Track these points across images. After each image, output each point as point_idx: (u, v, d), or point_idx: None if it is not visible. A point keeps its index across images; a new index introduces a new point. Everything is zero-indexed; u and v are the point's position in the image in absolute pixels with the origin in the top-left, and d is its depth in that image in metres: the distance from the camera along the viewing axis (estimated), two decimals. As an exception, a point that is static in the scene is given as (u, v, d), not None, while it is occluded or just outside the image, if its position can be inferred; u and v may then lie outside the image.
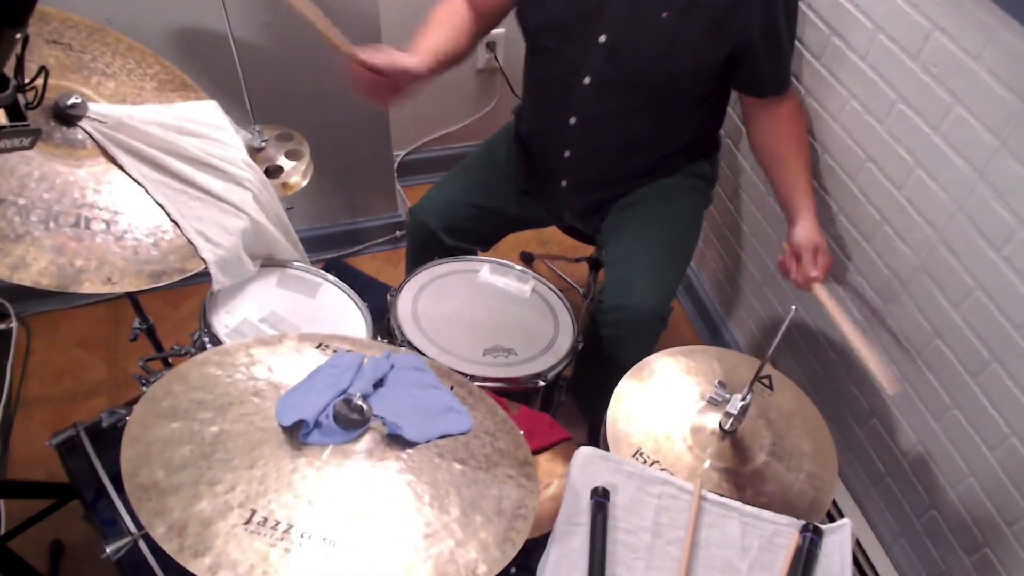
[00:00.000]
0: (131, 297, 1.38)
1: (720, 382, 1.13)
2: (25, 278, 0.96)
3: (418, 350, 1.27)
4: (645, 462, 1.05)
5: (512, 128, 1.63)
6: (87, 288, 1.00)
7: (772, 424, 1.14)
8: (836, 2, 1.42)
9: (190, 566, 0.70)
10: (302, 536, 0.75)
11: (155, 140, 1.14)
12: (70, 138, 1.08)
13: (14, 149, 0.86)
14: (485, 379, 1.25)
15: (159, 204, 1.13)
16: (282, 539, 0.74)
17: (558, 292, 1.44)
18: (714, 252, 2.12)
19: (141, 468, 0.78)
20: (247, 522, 0.74)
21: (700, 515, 0.95)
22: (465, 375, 1.24)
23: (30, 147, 0.87)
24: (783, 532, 0.95)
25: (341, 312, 1.29)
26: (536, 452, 1.13)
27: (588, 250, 1.98)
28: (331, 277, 1.33)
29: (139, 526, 1.05)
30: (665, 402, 1.14)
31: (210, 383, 0.90)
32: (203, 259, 1.14)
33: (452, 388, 1.02)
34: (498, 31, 2.10)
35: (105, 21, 1.25)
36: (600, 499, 0.94)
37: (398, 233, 2.31)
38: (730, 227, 2.01)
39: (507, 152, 1.62)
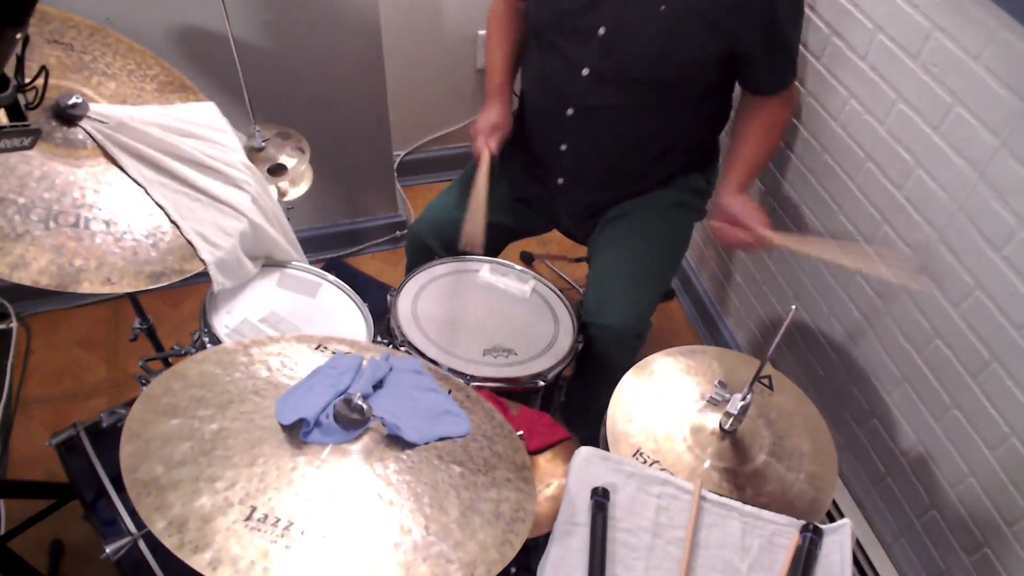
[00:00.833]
0: (131, 297, 1.38)
1: (720, 382, 1.13)
2: (24, 277, 0.96)
3: (418, 350, 1.27)
4: (645, 462, 1.05)
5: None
6: (86, 288, 1.00)
7: (772, 424, 1.14)
8: (836, 2, 1.42)
9: (191, 561, 0.70)
10: (302, 533, 0.75)
11: (155, 141, 1.14)
12: (70, 138, 1.08)
13: (14, 149, 0.86)
14: (485, 379, 1.25)
15: (159, 205, 1.13)
16: (282, 536, 0.74)
17: (558, 292, 1.44)
18: (714, 252, 2.12)
19: (140, 464, 0.78)
20: (247, 518, 0.75)
21: (700, 515, 0.95)
22: (465, 375, 1.24)
23: (30, 147, 0.87)
24: (783, 532, 0.95)
25: (341, 312, 1.29)
26: (536, 452, 1.13)
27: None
28: (331, 277, 1.33)
29: (139, 526, 1.05)
30: (665, 402, 1.14)
31: (209, 381, 0.90)
32: (202, 260, 1.14)
33: (450, 392, 1.02)
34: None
35: (105, 21, 1.25)
36: (600, 499, 0.94)
37: (398, 233, 2.31)
38: (730, 227, 2.01)
39: (500, 161, 1.61)
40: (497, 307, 1.40)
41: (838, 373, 1.61)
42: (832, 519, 0.97)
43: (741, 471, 1.06)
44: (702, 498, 0.97)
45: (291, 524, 0.75)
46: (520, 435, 1.01)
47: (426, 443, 0.89)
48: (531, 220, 1.67)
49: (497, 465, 0.92)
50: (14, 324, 1.25)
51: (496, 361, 1.29)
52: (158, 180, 1.14)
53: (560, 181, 1.53)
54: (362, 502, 0.80)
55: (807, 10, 1.51)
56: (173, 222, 1.13)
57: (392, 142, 2.10)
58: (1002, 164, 1.13)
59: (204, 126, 1.24)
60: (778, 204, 1.71)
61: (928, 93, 1.24)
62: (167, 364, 1.47)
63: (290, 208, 1.41)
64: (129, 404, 1.25)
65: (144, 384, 1.20)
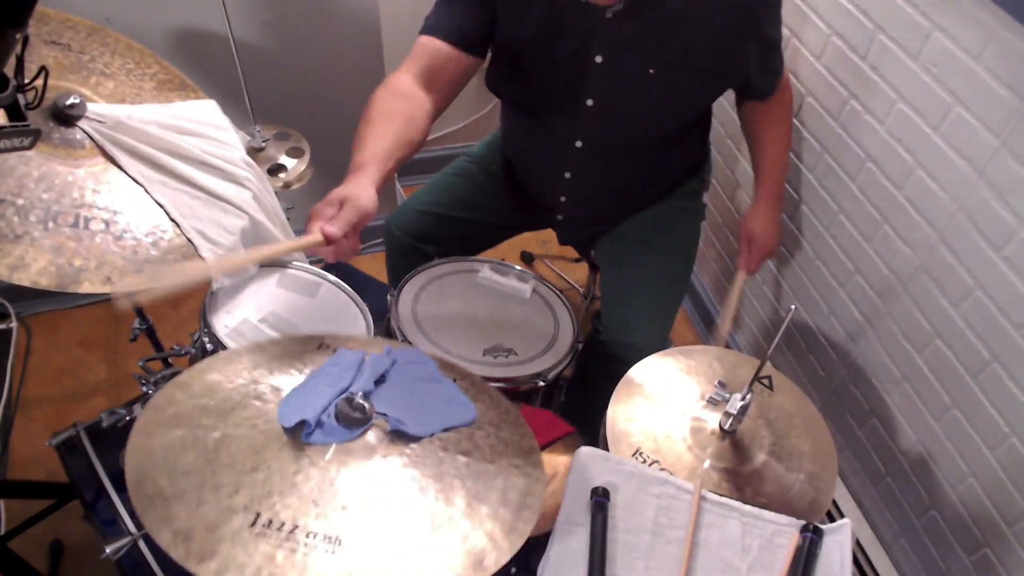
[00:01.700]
0: (131, 297, 1.38)
1: (720, 382, 1.13)
2: (24, 278, 0.96)
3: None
4: (645, 462, 1.05)
5: (496, 148, 1.63)
6: (86, 288, 1.00)
7: (772, 424, 1.14)
8: (836, 2, 1.42)
9: (197, 571, 0.70)
10: (308, 536, 0.75)
11: (154, 140, 1.14)
12: (69, 138, 1.08)
13: (14, 149, 0.86)
14: (485, 379, 1.24)
15: (158, 204, 1.13)
16: (288, 540, 0.74)
17: (558, 292, 1.44)
18: (714, 252, 2.12)
19: (145, 478, 0.77)
20: (252, 524, 0.74)
21: (700, 515, 0.95)
22: (465, 375, 1.24)
23: (30, 147, 0.87)
24: (783, 532, 0.95)
25: (341, 312, 1.29)
26: (540, 449, 1.13)
27: (588, 250, 1.99)
28: (331, 277, 1.33)
29: (139, 526, 1.05)
30: (665, 402, 1.14)
31: (211, 389, 0.90)
32: (203, 258, 1.14)
33: (455, 380, 1.02)
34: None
35: (104, 21, 1.25)
36: (600, 499, 0.94)
37: (398, 233, 2.31)
38: (730, 227, 2.01)
39: (496, 171, 1.61)
40: (497, 307, 1.40)
41: (838, 373, 1.61)
42: (832, 519, 0.97)
43: (741, 471, 1.06)
44: (702, 498, 0.96)
45: (296, 527, 0.75)
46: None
47: (431, 435, 0.89)
48: (529, 226, 1.70)
49: (504, 452, 0.91)
50: (14, 324, 1.25)
51: (496, 361, 1.29)
52: (157, 178, 1.14)
53: (560, 217, 1.55)
54: (367, 501, 0.80)
55: (808, 10, 1.51)
56: (173, 220, 1.13)
57: (392, 142, 2.10)
58: (1002, 164, 1.13)
59: (204, 124, 1.23)
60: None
61: (928, 93, 1.24)
62: (167, 364, 1.47)
63: (290, 208, 1.41)
64: (129, 404, 1.26)
65: (144, 384, 1.20)
